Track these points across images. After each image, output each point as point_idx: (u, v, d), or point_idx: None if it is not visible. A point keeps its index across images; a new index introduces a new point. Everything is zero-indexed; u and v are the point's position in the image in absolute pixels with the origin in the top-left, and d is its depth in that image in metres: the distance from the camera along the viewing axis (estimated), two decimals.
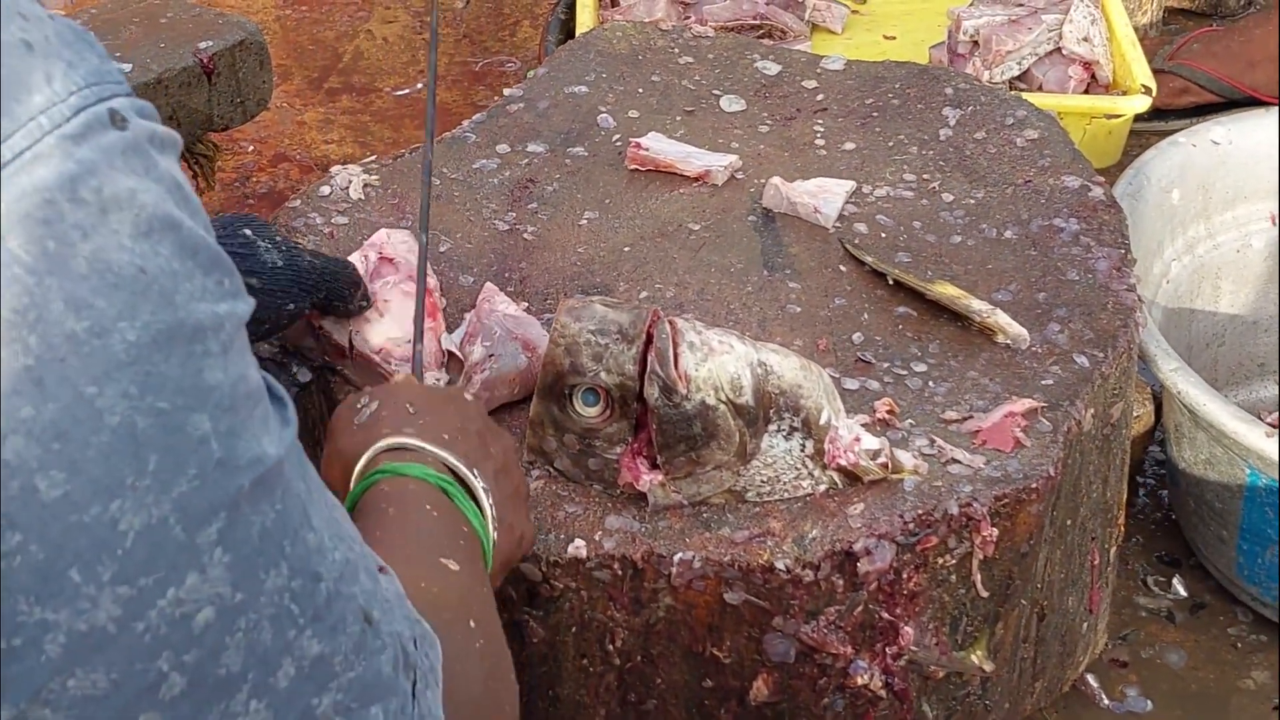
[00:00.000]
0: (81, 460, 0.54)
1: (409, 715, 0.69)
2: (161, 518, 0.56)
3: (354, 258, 1.36)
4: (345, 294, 1.31)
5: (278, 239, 1.26)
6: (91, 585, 0.54)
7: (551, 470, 1.29)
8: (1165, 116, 2.62)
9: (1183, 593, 1.93)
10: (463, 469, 1.01)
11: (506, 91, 1.79)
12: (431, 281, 1.37)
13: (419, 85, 2.92)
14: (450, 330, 1.39)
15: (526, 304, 1.46)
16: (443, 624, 0.80)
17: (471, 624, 0.88)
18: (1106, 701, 1.77)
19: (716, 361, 1.21)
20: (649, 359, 1.21)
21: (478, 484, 1.01)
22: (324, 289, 1.29)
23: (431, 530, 0.94)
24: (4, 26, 0.56)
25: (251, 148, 2.73)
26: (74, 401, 0.54)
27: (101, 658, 0.55)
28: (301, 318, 1.32)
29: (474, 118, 1.74)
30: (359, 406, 1.05)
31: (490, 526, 1.01)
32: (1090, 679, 1.77)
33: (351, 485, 1.00)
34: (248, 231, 1.23)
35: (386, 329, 1.34)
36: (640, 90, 1.79)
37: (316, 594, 0.63)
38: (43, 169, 0.55)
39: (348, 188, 1.59)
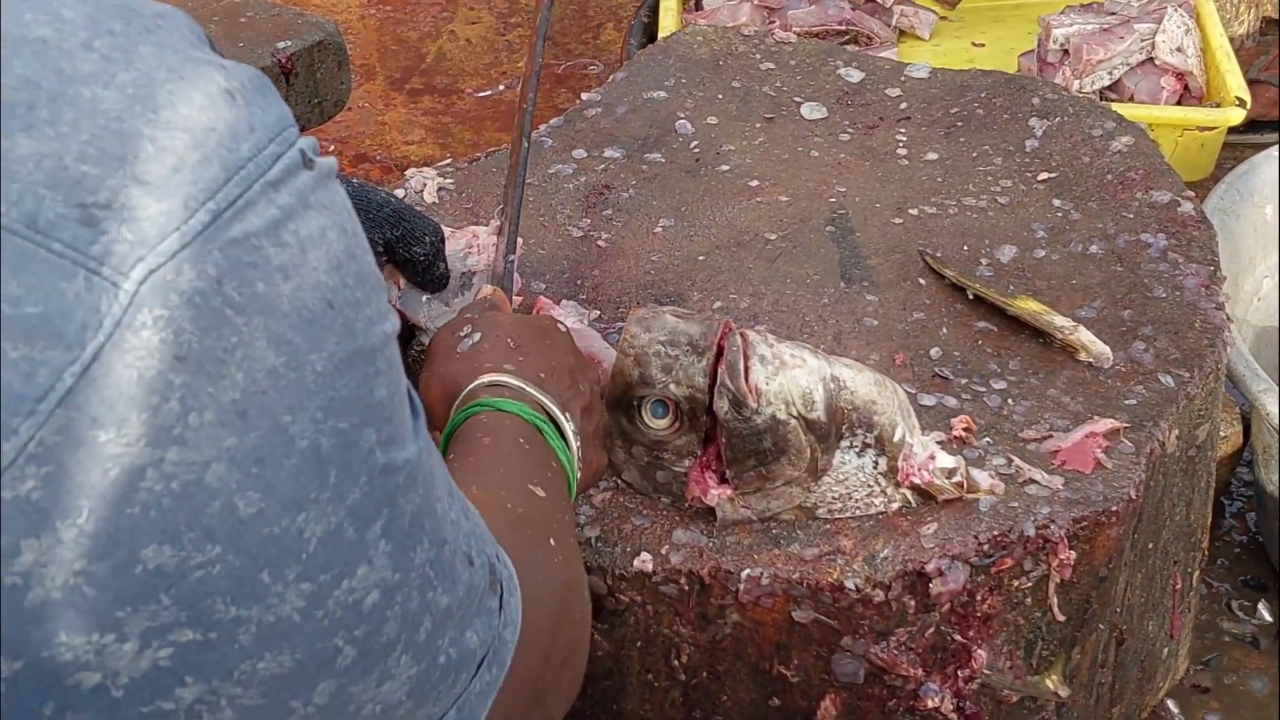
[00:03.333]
0: (275, 482, 0.59)
1: (495, 628, 0.76)
2: (339, 523, 0.61)
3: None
4: (423, 239, 1.28)
5: (351, 179, 1.28)
6: (279, 585, 0.60)
7: (619, 482, 1.27)
8: (1260, 129, 2.56)
9: (1268, 618, 1.89)
10: (555, 410, 1.07)
11: (584, 95, 1.78)
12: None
13: (501, 87, 2.91)
14: None
15: (598, 312, 1.45)
16: (525, 539, 0.90)
17: (551, 542, 0.94)
18: None
19: (788, 375, 1.19)
20: (719, 371, 1.18)
21: (568, 426, 1.08)
22: (399, 226, 1.27)
23: (523, 460, 1.01)
24: (210, 78, 0.60)
25: (333, 147, 2.73)
26: (271, 430, 0.59)
27: (287, 643, 0.61)
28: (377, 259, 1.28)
29: (551, 122, 1.73)
30: (461, 335, 1.11)
31: (575, 462, 1.08)
32: (1170, 705, 1.73)
33: (452, 413, 1.06)
34: None
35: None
36: (720, 96, 1.77)
37: (444, 557, 0.70)
38: (253, 216, 0.59)
39: (422, 191, 1.58)
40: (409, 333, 1.34)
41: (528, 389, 1.07)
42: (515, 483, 0.98)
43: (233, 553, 0.58)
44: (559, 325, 1.18)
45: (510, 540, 0.84)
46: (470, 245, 1.37)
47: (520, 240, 1.39)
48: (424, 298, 1.34)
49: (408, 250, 1.28)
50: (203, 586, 0.58)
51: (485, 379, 1.06)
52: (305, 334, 0.60)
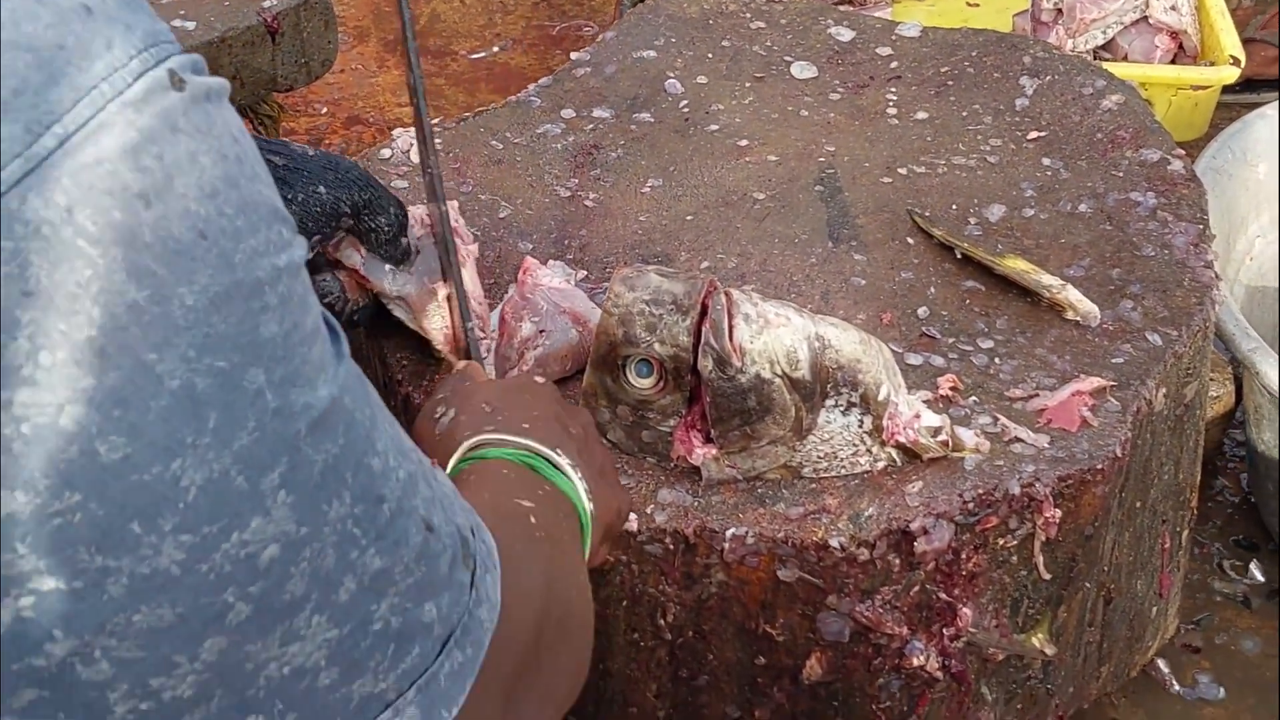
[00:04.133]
0: (142, 424, 0.55)
1: (464, 605, 0.71)
2: (223, 470, 0.57)
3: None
4: (387, 210, 1.28)
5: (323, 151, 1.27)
6: (153, 535, 0.56)
7: (604, 442, 1.27)
8: (1257, 88, 2.55)
9: (1260, 578, 1.89)
10: (545, 450, 1.00)
11: (574, 55, 1.77)
12: (464, 231, 1.35)
13: (495, 48, 2.90)
14: (495, 303, 1.37)
15: (585, 272, 1.44)
16: (500, 515, 0.84)
17: (531, 519, 0.90)
18: (1177, 687, 1.74)
19: (773, 334, 1.18)
20: (704, 330, 1.18)
21: (563, 460, 1.00)
22: (367, 191, 1.26)
23: (505, 483, 0.96)
24: None
25: (325, 109, 2.72)
26: (135, 369, 0.55)
27: (166, 596, 0.57)
28: (343, 231, 1.28)
29: (540, 81, 1.72)
30: (437, 416, 1.06)
31: (584, 498, 1.01)
32: (1161, 664, 1.73)
33: None
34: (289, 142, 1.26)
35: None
36: (710, 56, 1.76)
37: (379, 515, 0.65)
38: (107, 139, 0.55)
39: (408, 151, 1.57)
40: (377, 303, 1.33)
41: (510, 438, 1.00)
42: (498, 499, 0.92)
43: (95, 500, 0.55)
44: (536, 380, 1.13)
45: (487, 517, 0.80)
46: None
47: (478, 305, 1.33)
48: (386, 267, 1.32)
49: (373, 219, 1.27)
50: (63, 535, 0.54)
51: (465, 444, 1.00)
52: (171, 266, 0.55)
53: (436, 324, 1.32)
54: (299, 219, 1.24)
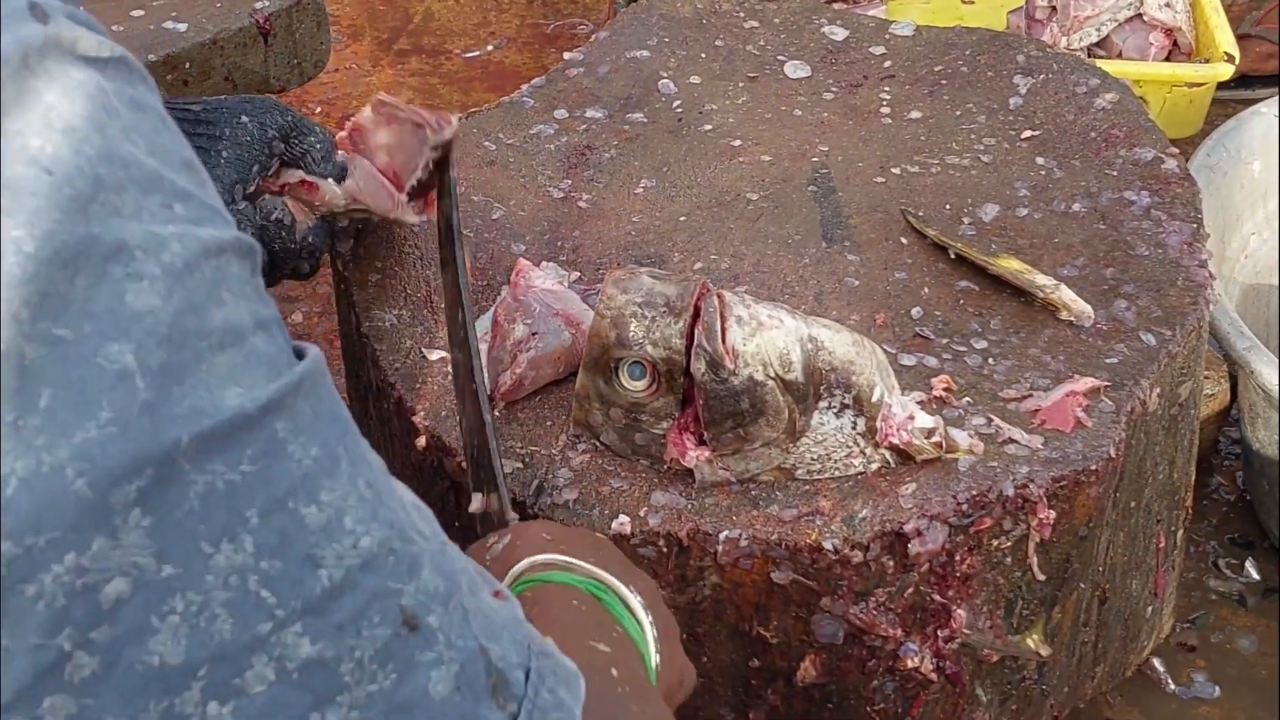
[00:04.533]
0: None
1: None
2: (56, 466, 0.47)
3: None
4: (314, 130, 1.29)
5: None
6: None
7: (597, 445, 1.27)
8: (1251, 84, 2.55)
9: (1255, 576, 1.89)
10: (616, 583, 0.88)
11: (566, 55, 1.76)
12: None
13: (489, 47, 2.90)
14: (488, 306, 1.37)
15: (579, 273, 1.44)
16: (586, 672, 0.68)
17: (613, 671, 0.76)
18: (1173, 686, 1.74)
19: (765, 336, 1.18)
20: (696, 333, 1.18)
21: (634, 599, 0.88)
22: (286, 113, 1.27)
23: (578, 619, 0.82)
24: None
25: (320, 109, 2.72)
26: None
27: None
28: (276, 159, 1.29)
29: (532, 82, 1.72)
30: (489, 544, 0.93)
31: (651, 645, 0.87)
32: (1156, 663, 1.73)
33: None
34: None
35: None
36: (703, 55, 1.76)
37: (309, 581, 0.52)
38: None
39: None
40: (328, 225, 1.36)
41: (577, 562, 0.87)
42: (569, 642, 0.72)
43: None
44: (600, 535, 1.03)
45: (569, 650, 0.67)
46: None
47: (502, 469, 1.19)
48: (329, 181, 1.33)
49: (302, 140, 1.29)
50: None
51: (529, 560, 0.87)
52: (7, 204, 0.47)
53: (410, 217, 1.35)
54: (233, 154, 1.24)
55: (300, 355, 0.55)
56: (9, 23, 0.49)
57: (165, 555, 0.49)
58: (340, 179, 1.33)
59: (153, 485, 0.48)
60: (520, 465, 1.25)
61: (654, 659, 0.87)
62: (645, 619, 0.87)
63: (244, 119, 1.25)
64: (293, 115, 1.28)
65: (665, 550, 1.23)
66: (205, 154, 1.23)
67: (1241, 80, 2.44)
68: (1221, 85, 2.39)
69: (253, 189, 1.28)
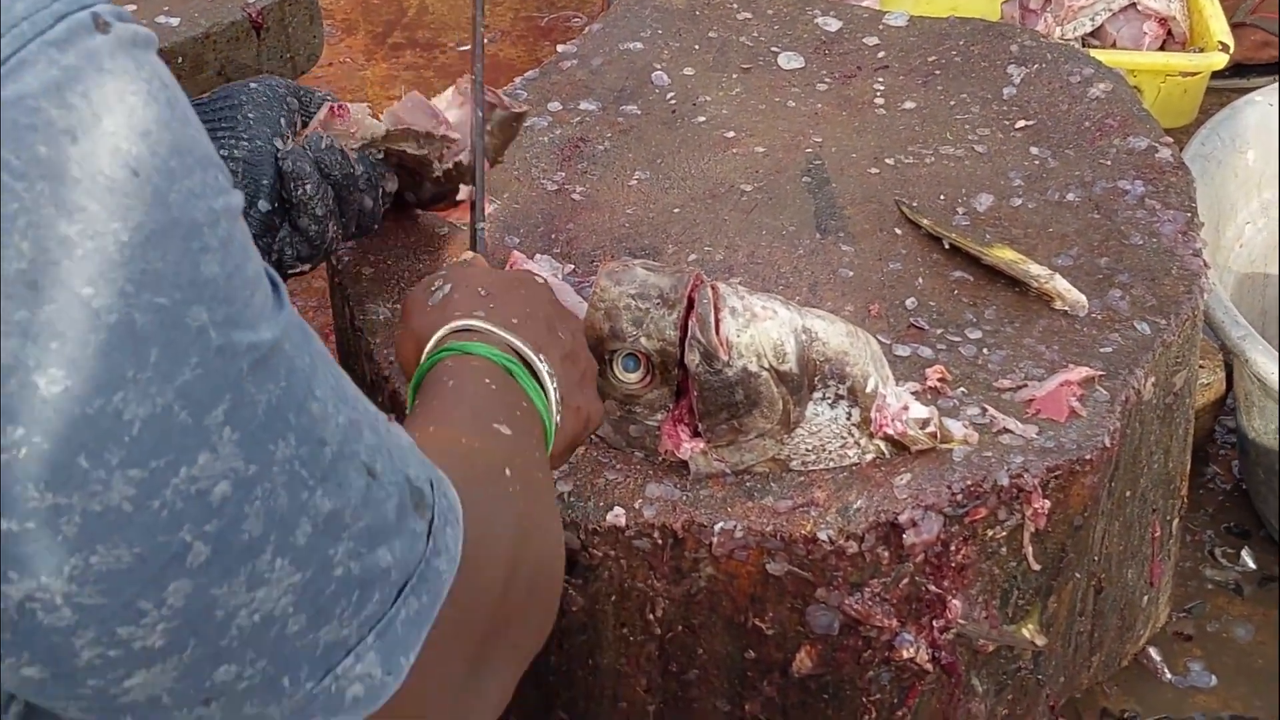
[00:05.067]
0: (80, 358, 0.56)
1: (419, 553, 0.73)
2: (166, 405, 0.58)
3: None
4: (315, 93, 1.34)
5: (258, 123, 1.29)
6: (101, 470, 0.57)
7: (592, 437, 1.27)
8: (1246, 73, 2.54)
9: (1251, 565, 1.88)
10: (528, 352, 1.02)
11: (560, 48, 1.76)
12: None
13: (485, 41, 2.89)
14: None
15: (573, 266, 1.44)
16: (477, 472, 0.85)
17: (507, 472, 0.89)
18: (1169, 676, 1.73)
19: (759, 327, 1.18)
20: (690, 324, 1.18)
21: (542, 367, 1.02)
22: (291, 83, 1.32)
23: (488, 400, 0.97)
24: None
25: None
26: (70, 302, 0.55)
27: (121, 535, 0.58)
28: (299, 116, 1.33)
29: (526, 74, 1.72)
30: (433, 289, 1.07)
31: (554, 409, 1.03)
32: (1152, 652, 1.73)
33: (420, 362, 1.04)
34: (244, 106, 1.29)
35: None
36: (697, 47, 1.76)
37: (322, 457, 0.66)
38: (29, 76, 0.56)
39: None
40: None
41: (496, 331, 1.02)
42: (478, 421, 0.94)
43: (39, 434, 0.55)
44: (536, 278, 1.15)
45: (459, 472, 0.81)
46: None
47: (490, 202, 1.36)
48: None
49: (312, 101, 1.34)
50: (10, 472, 0.55)
51: (454, 324, 1.03)
52: (103, 201, 0.56)
53: (454, 115, 1.39)
54: (258, 113, 1.28)
55: (273, 282, 0.66)
56: (79, 39, 0.58)
57: (250, 458, 0.62)
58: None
59: (233, 407, 0.61)
60: None
61: (554, 419, 1.03)
62: (550, 386, 1.02)
63: (253, 85, 1.29)
64: (296, 83, 1.34)
65: (660, 542, 1.23)
66: (233, 122, 1.26)
67: (1236, 69, 2.44)
68: (1216, 74, 2.38)
69: (289, 140, 1.30)
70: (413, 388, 1.02)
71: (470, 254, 1.22)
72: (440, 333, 1.02)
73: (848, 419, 1.23)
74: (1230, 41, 2.29)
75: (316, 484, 0.66)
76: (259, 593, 0.63)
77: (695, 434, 1.23)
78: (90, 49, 0.58)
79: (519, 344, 1.02)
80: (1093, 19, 2.33)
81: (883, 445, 1.24)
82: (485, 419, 0.94)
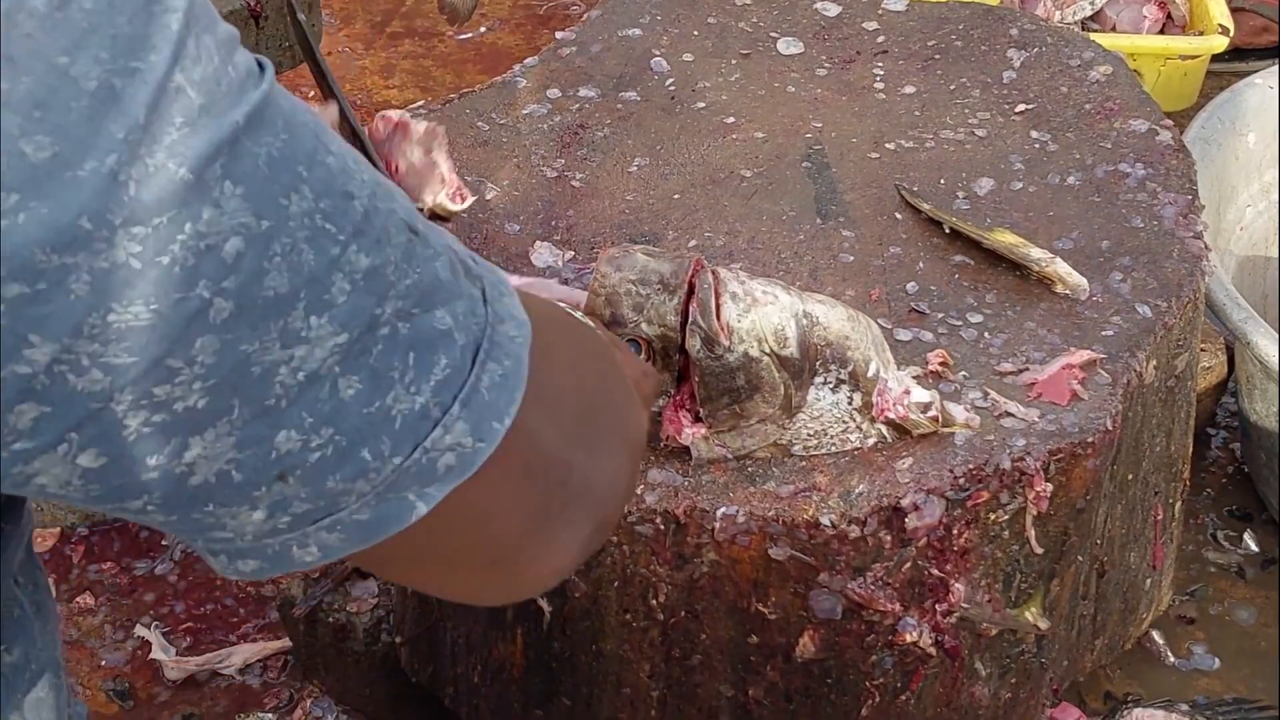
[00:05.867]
0: (65, 124, 0.56)
1: (481, 317, 0.70)
2: (160, 165, 0.58)
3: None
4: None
5: None
6: (104, 230, 0.57)
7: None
8: (1245, 56, 2.54)
9: (1254, 548, 1.89)
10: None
11: (559, 35, 1.76)
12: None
13: (482, 29, 2.89)
14: None
15: (573, 253, 1.44)
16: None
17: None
18: (1172, 659, 1.74)
19: (760, 312, 1.18)
20: (691, 309, 1.18)
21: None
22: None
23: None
24: None
25: (313, 92, 2.71)
26: (48, 72, 0.56)
27: (134, 291, 0.58)
28: None
29: (525, 61, 1.71)
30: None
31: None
32: (1155, 636, 1.73)
33: None
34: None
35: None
36: (696, 33, 1.75)
37: (351, 210, 0.64)
38: None
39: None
40: None
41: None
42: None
43: (35, 199, 0.56)
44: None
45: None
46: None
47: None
48: None
49: None
50: (12, 238, 0.56)
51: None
52: None
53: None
54: None
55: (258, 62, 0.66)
56: None
57: (260, 212, 0.61)
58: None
59: (230, 161, 0.60)
60: None
61: None
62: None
63: None
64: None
65: (662, 528, 1.23)
66: None
67: (1235, 53, 2.44)
68: (1215, 57, 2.38)
69: None
70: None
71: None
72: None
73: (849, 404, 1.23)
74: (1230, 24, 2.29)
75: (349, 238, 0.64)
76: (298, 350, 0.63)
77: (697, 419, 1.22)
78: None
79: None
80: (1092, 3, 2.33)
81: (884, 430, 1.24)
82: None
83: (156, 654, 1.80)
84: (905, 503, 1.21)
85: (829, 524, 1.21)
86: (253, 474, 0.64)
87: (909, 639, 1.27)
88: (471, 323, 0.70)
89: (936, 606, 1.27)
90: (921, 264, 1.43)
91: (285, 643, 1.78)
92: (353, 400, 0.65)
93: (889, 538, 1.22)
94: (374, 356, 0.65)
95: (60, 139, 0.56)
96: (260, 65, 0.65)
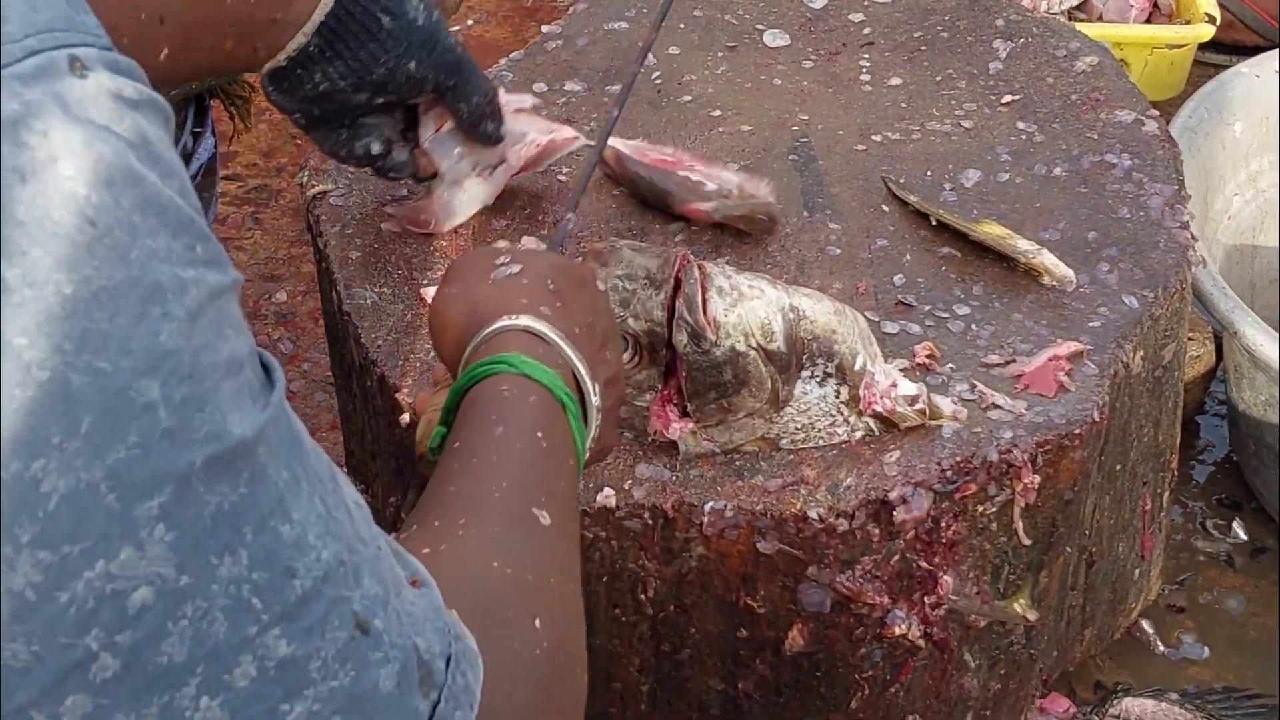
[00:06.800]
0: (4, 413, 0.51)
1: None
2: (91, 483, 0.52)
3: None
4: (477, 94, 1.28)
5: (432, 7, 1.22)
6: (9, 546, 0.51)
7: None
8: (1225, 49, 2.53)
9: (1243, 536, 1.89)
10: (586, 379, 0.95)
11: (545, 28, 1.76)
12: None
13: (469, 21, 2.89)
14: None
15: (561, 248, 1.43)
16: (502, 623, 0.75)
17: (537, 624, 0.78)
18: (1162, 648, 1.74)
19: (747, 306, 1.18)
20: (677, 304, 1.18)
21: (594, 401, 0.95)
22: (456, 73, 1.25)
23: (533, 466, 0.88)
24: None
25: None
26: (1, 351, 0.51)
27: (21, 627, 0.52)
28: (426, 105, 1.30)
29: (511, 55, 1.71)
30: (498, 262, 1.00)
31: (589, 443, 0.96)
32: (1145, 625, 1.73)
33: (467, 354, 0.95)
34: None
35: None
36: (682, 26, 1.75)
37: (286, 590, 0.58)
38: None
39: None
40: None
41: (563, 347, 0.93)
42: (514, 505, 0.84)
43: None
44: (598, 281, 1.08)
45: (481, 618, 0.72)
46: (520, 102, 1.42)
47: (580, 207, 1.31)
48: (455, 149, 1.36)
49: (455, 103, 1.28)
50: None
51: (521, 320, 0.94)
52: (48, 248, 0.52)
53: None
54: (381, 80, 1.21)
55: (265, 367, 0.61)
56: (49, 78, 0.54)
57: (183, 566, 0.54)
58: (487, 143, 1.37)
59: (172, 502, 0.54)
60: None
61: (586, 454, 0.95)
62: (594, 421, 0.95)
63: (411, 65, 1.22)
64: (459, 78, 1.27)
65: (650, 522, 1.23)
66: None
67: (1221, 47, 2.43)
68: (1200, 48, 2.38)
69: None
70: (457, 389, 0.92)
71: (534, 241, 1.19)
72: (503, 323, 0.94)
73: (836, 397, 1.23)
74: (1217, 13, 2.29)
75: (273, 620, 0.57)
76: None
77: (684, 414, 1.22)
78: (58, 91, 0.54)
79: (582, 370, 0.95)
80: None
81: (872, 423, 1.25)
82: (526, 500, 0.85)
83: None
84: (893, 495, 1.21)
85: (817, 517, 1.21)
86: None
87: (898, 631, 1.27)
88: None
89: (925, 599, 1.27)
90: (908, 256, 1.43)
91: None
92: None
93: (877, 531, 1.23)
94: None
95: None
96: (268, 373, 0.60)
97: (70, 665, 0.53)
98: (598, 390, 0.96)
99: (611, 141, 1.45)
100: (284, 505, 0.59)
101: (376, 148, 1.29)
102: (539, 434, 0.89)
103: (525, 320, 0.94)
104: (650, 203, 1.46)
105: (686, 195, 1.42)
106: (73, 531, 0.52)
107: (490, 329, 0.94)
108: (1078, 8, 2.34)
